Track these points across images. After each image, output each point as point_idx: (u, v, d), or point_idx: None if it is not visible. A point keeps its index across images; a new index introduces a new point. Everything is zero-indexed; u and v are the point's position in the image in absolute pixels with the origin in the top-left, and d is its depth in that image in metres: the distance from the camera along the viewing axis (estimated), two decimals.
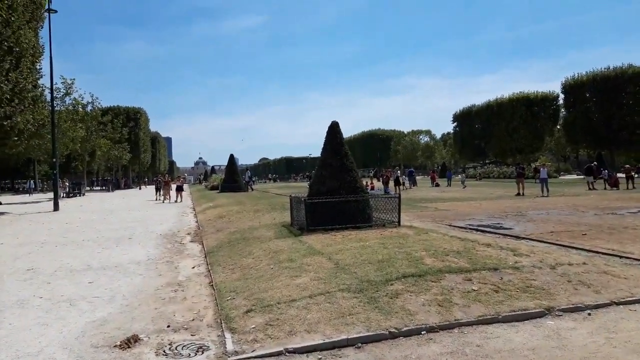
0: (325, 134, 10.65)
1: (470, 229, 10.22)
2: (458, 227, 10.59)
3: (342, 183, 10.18)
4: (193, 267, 8.30)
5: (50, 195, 37.16)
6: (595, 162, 32.21)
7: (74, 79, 37.43)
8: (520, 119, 53.34)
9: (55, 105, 35.20)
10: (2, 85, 15.32)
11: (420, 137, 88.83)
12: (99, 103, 44.96)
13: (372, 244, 7.74)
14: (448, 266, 6.05)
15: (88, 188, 60.45)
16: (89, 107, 42.65)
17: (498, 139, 56.41)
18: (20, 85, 17.02)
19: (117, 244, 11.33)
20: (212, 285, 6.70)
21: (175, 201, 28.28)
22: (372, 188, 35.00)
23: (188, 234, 13.36)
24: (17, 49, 16.57)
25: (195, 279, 7.31)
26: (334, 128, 10.64)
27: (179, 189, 30.31)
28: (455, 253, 6.81)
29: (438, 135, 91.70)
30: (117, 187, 59.13)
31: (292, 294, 5.34)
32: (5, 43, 15.72)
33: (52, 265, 8.54)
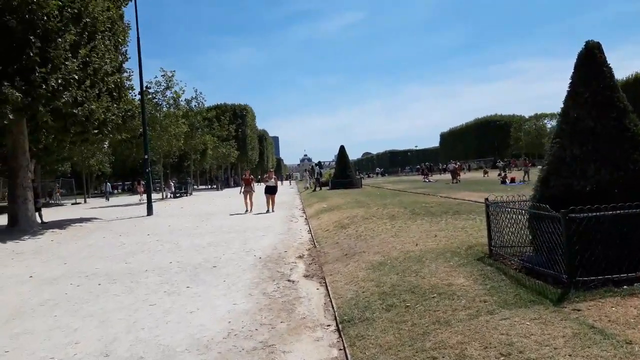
0: (575, 66, 5.09)
1: None
2: None
3: (628, 171, 4.62)
4: None
5: (159, 195, 35.95)
6: None
7: (174, 71, 34.94)
8: None
9: (154, 98, 33.72)
10: (66, 62, 11.89)
11: (546, 120, 77.27)
12: (203, 99, 43.07)
13: None
14: None
15: (203, 187, 60.84)
16: (193, 103, 40.88)
17: None
18: (95, 66, 13.72)
19: (191, 280, 7.04)
20: None
21: (267, 211, 17.83)
22: (513, 180, 28.48)
23: (300, 256, 8.76)
24: (87, 20, 13.22)
25: None
26: (593, 52, 5.05)
27: (270, 192, 18.30)
28: None
29: None
30: (226, 185, 58.36)
31: None
32: (69, 9, 12.32)
33: (34, 352, 4.25)
